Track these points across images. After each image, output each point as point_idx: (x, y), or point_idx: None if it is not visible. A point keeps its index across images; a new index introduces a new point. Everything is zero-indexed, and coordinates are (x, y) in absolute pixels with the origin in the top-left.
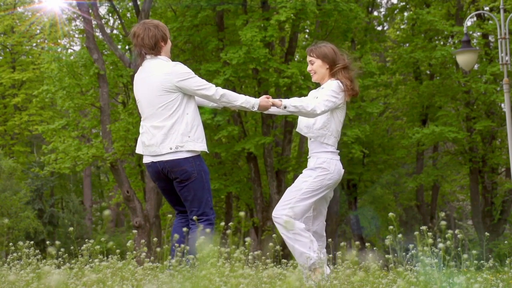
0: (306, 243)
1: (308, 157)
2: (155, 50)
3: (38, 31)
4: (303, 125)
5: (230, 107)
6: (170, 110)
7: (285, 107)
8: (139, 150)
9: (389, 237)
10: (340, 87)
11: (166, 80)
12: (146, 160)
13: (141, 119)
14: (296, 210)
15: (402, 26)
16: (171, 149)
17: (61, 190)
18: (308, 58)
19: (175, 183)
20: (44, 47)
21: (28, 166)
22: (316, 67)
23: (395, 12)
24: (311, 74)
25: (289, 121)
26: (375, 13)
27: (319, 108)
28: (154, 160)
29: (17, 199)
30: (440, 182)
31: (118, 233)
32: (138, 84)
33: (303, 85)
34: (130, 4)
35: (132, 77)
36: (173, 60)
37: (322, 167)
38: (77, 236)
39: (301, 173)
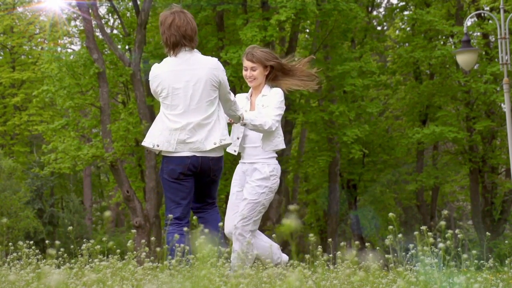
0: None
1: (251, 161)
2: (193, 42)
3: (37, 31)
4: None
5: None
6: (213, 106)
7: (244, 124)
8: (168, 147)
9: (389, 237)
10: (283, 94)
11: (214, 75)
12: (184, 153)
13: (174, 113)
14: (257, 222)
15: (402, 26)
16: (215, 144)
17: (61, 190)
18: (249, 64)
19: (206, 179)
20: (44, 47)
21: (28, 166)
22: (258, 73)
23: (395, 12)
24: (248, 80)
25: (289, 121)
26: (375, 13)
27: (274, 125)
28: (197, 155)
29: (17, 198)
30: (440, 182)
31: (118, 233)
32: (175, 76)
33: None
34: (130, 4)
35: (133, 75)
36: None
37: (274, 174)
38: (77, 236)
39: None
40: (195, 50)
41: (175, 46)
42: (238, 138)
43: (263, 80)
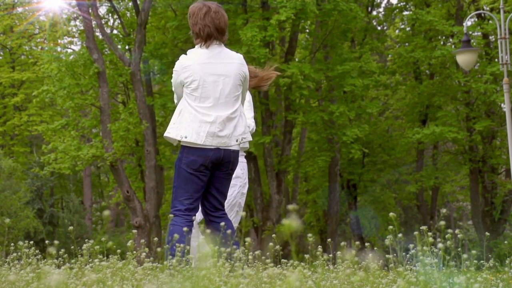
0: None
1: None
2: (224, 36)
3: (37, 31)
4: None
5: None
6: (239, 102)
7: None
8: (197, 139)
9: (389, 237)
10: (250, 95)
11: (242, 71)
12: (209, 146)
13: (203, 105)
14: (235, 224)
15: (402, 26)
16: (237, 141)
17: (61, 190)
18: None
19: (222, 174)
20: (44, 47)
21: (28, 166)
22: None
23: (394, 12)
24: None
25: (289, 121)
26: (375, 13)
27: (254, 127)
28: (221, 147)
29: (17, 198)
30: (440, 182)
31: (118, 233)
32: (207, 68)
33: (303, 84)
34: (130, 4)
35: (133, 74)
36: (172, 60)
37: (246, 170)
38: (77, 236)
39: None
40: (223, 45)
41: (208, 38)
42: None
43: None
